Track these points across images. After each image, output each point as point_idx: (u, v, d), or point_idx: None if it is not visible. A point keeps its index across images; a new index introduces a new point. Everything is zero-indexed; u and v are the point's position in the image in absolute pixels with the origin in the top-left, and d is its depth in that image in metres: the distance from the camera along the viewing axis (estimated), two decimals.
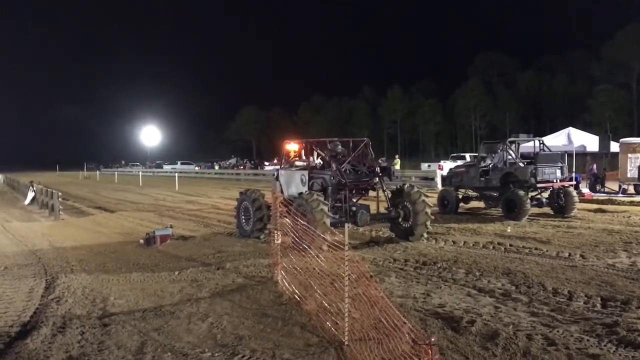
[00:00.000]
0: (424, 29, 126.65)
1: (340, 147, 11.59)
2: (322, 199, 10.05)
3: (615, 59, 55.39)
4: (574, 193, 14.73)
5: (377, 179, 11.15)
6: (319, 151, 11.71)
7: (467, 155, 36.52)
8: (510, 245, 10.27)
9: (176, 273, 8.50)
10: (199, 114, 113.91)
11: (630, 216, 14.01)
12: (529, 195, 14.17)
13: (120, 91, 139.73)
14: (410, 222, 10.93)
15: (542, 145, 15.78)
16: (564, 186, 14.63)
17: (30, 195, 26.01)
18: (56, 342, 5.32)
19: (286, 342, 5.17)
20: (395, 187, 11.55)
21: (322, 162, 11.85)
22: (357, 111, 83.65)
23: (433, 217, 11.40)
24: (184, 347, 5.14)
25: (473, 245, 10.53)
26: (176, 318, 6.07)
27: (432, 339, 3.50)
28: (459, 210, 15.85)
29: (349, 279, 4.89)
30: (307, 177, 11.18)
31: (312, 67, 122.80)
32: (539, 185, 14.37)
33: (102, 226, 15.82)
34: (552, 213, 14.71)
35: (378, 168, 11.25)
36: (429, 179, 27.26)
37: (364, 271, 4.82)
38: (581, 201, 15.82)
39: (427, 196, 11.17)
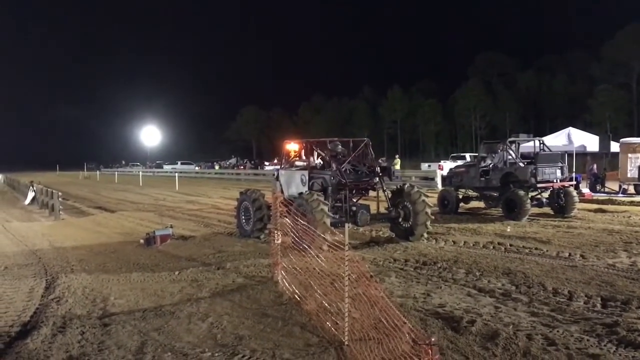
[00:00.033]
0: (424, 29, 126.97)
1: (340, 147, 11.59)
2: (322, 199, 10.05)
3: (615, 59, 55.38)
4: (574, 193, 14.73)
5: (377, 179, 11.15)
6: (319, 151, 11.70)
7: (467, 155, 36.52)
8: (511, 245, 10.28)
9: (176, 273, 8.50)
10: (199, 114, 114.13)
11: (630, 216, 14.01)
12: (529, 195, 14.17)
13: (120, 91, 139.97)
14: (410, 222, 10.93)
15: (542, 145, 15.78)
16: (564, 186, 14.63)
17: (31, 195, 26.02)
18: (56, 342, 5.32)
19: (286, 342, 5.17)
20: (395, 187, 11.55)
21: (322, 162, 11.84)
22: (357, 111, 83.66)
23: (433, 217, 11.40)
24: (184, 347, 5.14)
25: (473, 245, 10.53)
26: (176, 318, 6.07)
27: (432, 339, 3.50)
28: (459, 210, 15.85)
29: (349, 278, 4.89)
30: (307, 177, 11.19)
31: (312, 67, 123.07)
32: (539, 185, 14.37)
33: (102, 226, 15.83)
34: (552, 213, 14.71)
35: (378, 168, 11.25)
36: (429, 179, 27.27)
37: (364, 271, 4.82)
38: (581, 201, 15.83)
39: (427, 196, 11.17)
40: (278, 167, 13.72)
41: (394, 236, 11.26)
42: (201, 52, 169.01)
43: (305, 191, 10.63)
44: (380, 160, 12.38)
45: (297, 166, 12.44)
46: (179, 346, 5.17)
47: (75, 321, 5.96)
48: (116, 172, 58.45)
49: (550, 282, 7.22)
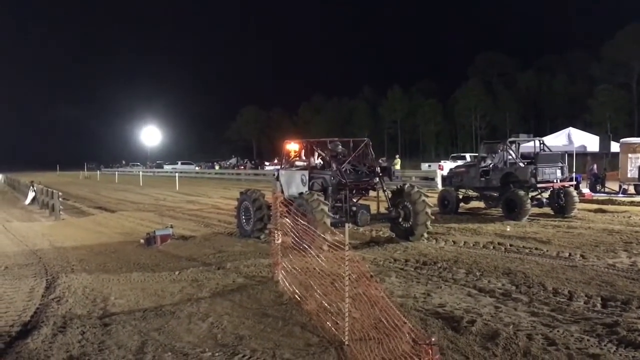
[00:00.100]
0: (424, 29, 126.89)
1: (340, 147, 11.60)
2: (322, 199, 10.05)
3: (615, 59, 55.41)
4: (574, 193, 14.73)
5: (378, 179, 11.15)
6: (319, 151, 11.71)
7: (468, 155, 36.53)
8: (511, 245, 10.28)
9: (176, 273, 8.50)
10: (199, 114, 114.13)
11: (630, 216, 14.01)
12: (529, 195, 14.17)
13: (120, 91, 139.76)
14: (410, 222, 10.93)
15: (542, 145, 15.79)
16: (564, 186, 14.63)
17: (31, 195, 26.02)
18: (57, 341, 5.32)
19: (286, 342, 5.18)
20: (395, 187, 11.55)
21: (322, 162, 11.85)
22: (357, 111, 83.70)
23: (433, 217, 11.40)
24: (184, 347, 5.14)
25: (473, 245, 10.53)
26: (176, 318, 6.07)
27: (433, 339, 3.50)
28: (459, 210, 15.85)
29: (349, 278, 4.90)
30: (307, 177, 11.19)
31: (312, 67, 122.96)
32: (539, 185, 14.37)
33: (102, 226, 15.83)
34: (553, 213, 14.71)
35: (378, 168, 11.25)
36: (429, 179, 27.26)
37: (364, 271, 4.83)
38: (581, 201, 15.83)
39: (427, 196, 11.17)
40: (278, 167, 13.72)
41: (394, 236, 11.26)
42: (201, 52, 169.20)
43: (306, 191, 10.63)
44: (380, 160, 12.37)
45: (297, 166, 12.44)
46: (179, 346, 5.18)
47: (76, 321, 5.96)
48: (116, 172, 58.41)
49: (551, 282, 7.22)
